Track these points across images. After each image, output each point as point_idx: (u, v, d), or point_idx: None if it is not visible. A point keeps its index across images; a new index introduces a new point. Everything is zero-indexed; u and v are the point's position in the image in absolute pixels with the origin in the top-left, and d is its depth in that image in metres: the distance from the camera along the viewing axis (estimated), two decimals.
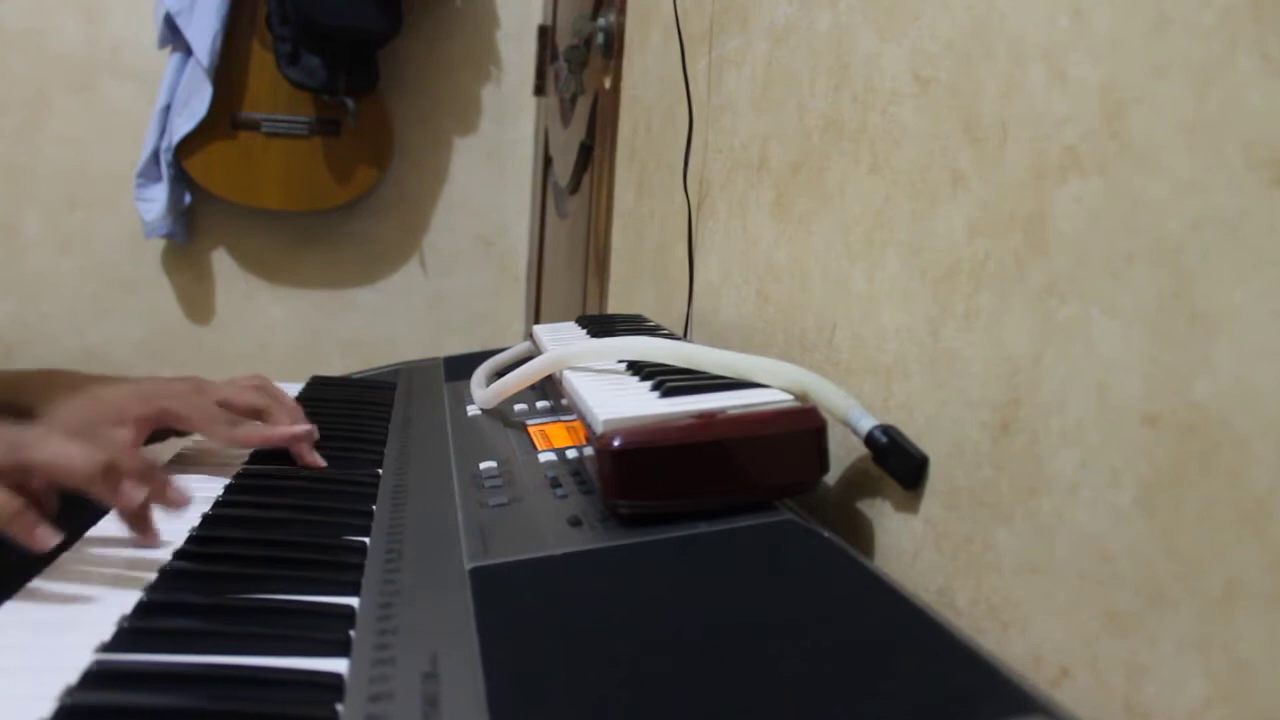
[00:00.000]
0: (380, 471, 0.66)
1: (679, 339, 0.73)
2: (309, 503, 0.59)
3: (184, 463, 0.69)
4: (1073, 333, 0.40)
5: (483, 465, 0.63)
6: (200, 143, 1.98)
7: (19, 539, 0.47)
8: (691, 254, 0.97)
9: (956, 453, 0.48)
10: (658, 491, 0.50)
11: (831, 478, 0.59)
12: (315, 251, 2.22)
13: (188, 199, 2.06)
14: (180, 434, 0.70)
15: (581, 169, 1.61)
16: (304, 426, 0.69)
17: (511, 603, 0.43)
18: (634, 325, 0.85)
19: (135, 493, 0.51)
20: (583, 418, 0.56)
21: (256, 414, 0.69)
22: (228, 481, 0.64)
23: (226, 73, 1.97)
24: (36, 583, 0.48)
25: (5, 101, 2.03)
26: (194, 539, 0.53)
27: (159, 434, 0.68)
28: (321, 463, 0.67)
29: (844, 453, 0.58)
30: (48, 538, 0.48)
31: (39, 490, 0.50)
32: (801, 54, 0.72)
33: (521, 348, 0.89)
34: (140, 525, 0.52)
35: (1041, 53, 0.44)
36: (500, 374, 0.78)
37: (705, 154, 0.95)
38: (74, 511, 0.52)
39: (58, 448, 0.50)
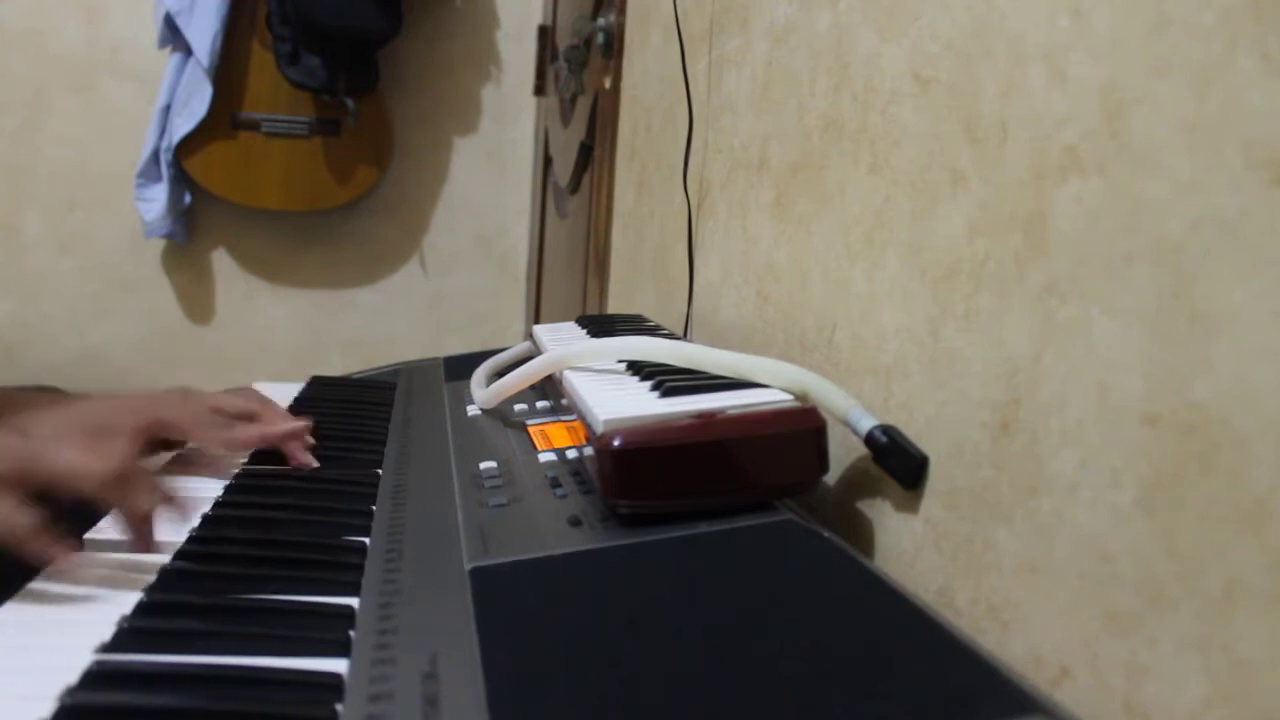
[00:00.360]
0: (380, 471, 0.66)
1: (679, 339, 0.73)
2: (309, 503, 0.59)
3: (183, 463, 0.69)
4: (1073, 333, 0.40)
5: (483, 465, 0.63)
6: (200, 143, 1.98)
7: (36, 556, 0.47)
8: (691, 254, 0.97)
9: (956, 453, 0.48)
10: (658, 491, 0.50)
11: (831, 478, 0.59)
12: (315, 251, 2.22)
13: (188, 199, 2.06)
14: (173, 446, 0.70)
15: (581, 169, 1.61)
16: (298, 422, 0.69)
17: (511, 603, 0.43)
18: (634, 325, 0.85)
19: (148, 500, 0.51)
20: (583, 418, 0.56)
21: (248, 418, 0.69)
22: (227, 482, 0.64)
23: (226, 73, 1.98)
24: (36, 583, 0.48)
25: (5, 101, 2.03)
26: (194, 539, 0.53)
27: (153, 447, 0.67)
28: (314, 463, 0.67)
29: (844, 453, 0.58)
30: (66, 554, 0.48)
31: (50, 499, 0.50)
32: (801, 54, 0.72)
33: (521, 348, 0.89)
34: (144, 532, 0.52)
35: (1041, 53, 0.44)
36: (500, 374, 0.78)
37: (705, 154, 0.95)
38: (72, 513, 0.52)
39: (73, 455, 0.49)
